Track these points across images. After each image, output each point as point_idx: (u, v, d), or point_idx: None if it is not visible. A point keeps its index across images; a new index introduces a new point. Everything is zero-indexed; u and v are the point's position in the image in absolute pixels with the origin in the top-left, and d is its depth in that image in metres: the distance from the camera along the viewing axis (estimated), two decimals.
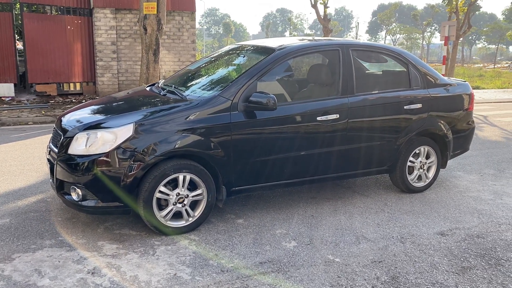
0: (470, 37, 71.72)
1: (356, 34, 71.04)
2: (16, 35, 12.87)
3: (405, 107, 4.35)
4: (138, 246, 3.26)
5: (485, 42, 76.68)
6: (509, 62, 55.86)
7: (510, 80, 24.81)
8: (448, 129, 4.64)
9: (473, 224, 3.86)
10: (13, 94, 11.26)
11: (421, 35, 74.06)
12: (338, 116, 3.96)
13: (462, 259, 3.21)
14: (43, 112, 9.50)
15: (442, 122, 4.60)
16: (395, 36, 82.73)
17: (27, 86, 11.96)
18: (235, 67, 4.38)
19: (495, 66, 46.30)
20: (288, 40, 4.38)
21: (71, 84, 12.31)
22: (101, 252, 3.15)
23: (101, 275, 2.85)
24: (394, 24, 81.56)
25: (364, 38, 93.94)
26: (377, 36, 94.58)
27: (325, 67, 4.41)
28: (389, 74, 4.68)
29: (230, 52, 4.76)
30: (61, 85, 12.23)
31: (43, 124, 8.59)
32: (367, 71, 4.78)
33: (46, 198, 4.21)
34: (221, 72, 4.45)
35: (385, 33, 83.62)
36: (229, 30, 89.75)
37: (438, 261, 3.16)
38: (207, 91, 3.83)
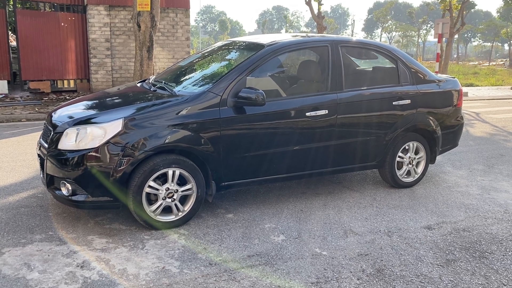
0: (466, 35, 71.98)
1: (352, 31, 71.15)
2: (10, 32, 12.83)
3: (394, 103, 4.39)
4: (127, 240, 3.29)
5: (480, 40, 76.98)
6: (504, 59, 56.11)
7: (504, 77, 24.96)
8: (437, 125, 4.69)
9: (459, 218, 3.91)
10: (6, 91, 11.23)
11: (417, 33, 74.25)
12: (327, 112, 4.00)
13: (447, 252, 3.26)
14: (37, 109, 9.49)
15: (431, 118, 4.65)
16: (391, 33, 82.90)
17: (21, 83, 11.93)
18: (225, 63, 4.41)
19: (490, 64, 46.51)
20: (281, 37, 4.41)
21: (65, 81, 12.30)
22: (90, 246, 3.18)
23: (90, 268, 2.88)
24: (390, 21, 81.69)
25: (360, 35, 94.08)
26: (373, 33, 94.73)
27: (315, 63, 4.45)
28: (378, 70, 4.72)
29: (221, 48, 4.79)
30: (55, 82, 12.22)
31: (36, 121, 8.58)
32: (357, 68, 4.83)
33: (37, 193, 4.23)
34: (211, 68, 4.48)
35: (381, 31, 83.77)
36: (225, 27, 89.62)
37: (424, 254, 3.21)
38: (197, 86, 3.86)
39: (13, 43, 13.20)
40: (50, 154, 3.42)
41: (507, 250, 3.32)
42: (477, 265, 3.08)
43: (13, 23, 12.39)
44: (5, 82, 11.32)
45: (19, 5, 11.74)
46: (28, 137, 6.87)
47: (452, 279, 2.89)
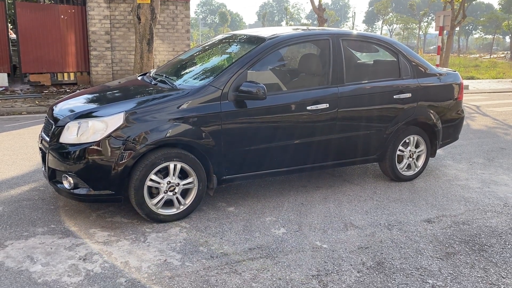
0: (467, 27, 71.63)
1: (353, 24, 70.81)
2: (9, 25, 12.78)
3: (394, 96, 4.39)
4: (129, 233, 3.31)
5: (481, 32, 76.61)
6: (506, 52, 55.91)
7: (505, 70, 24.89)
8: (437, 118, 4.70)
9: (459, 211, 3.93)
10: (6, 84, 11.22)
11: (418, 25, 73.89)
12: (327, 106, 4.00)
13: (447, 245, 3.28)
14: (37, 102, 9.49)
15: (431, 111, 4.65)
16: (391, 26, 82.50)
17: (21, 76, 11.91)
18: (226, 56, 4.40)
19: (491, 56, 46.34)
20: (282, 30, 4.40)
21: (65, 74, 12.27)
22: (92, 239, 3.20)
23: (93, 261, 2.90)
24: (390, 14, 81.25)
25: (361, 28, 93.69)
26: (374, 26, 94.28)
27: (316, 57, 4.44)
28: (379, 63, 4.71)
29: (222, 41, 4.77)
30: (55, 75, 12.20)
31: (36, 114, 8.59)
32: (358, 61, 4.82)
33: (39, 186, 4.25)
34: (212, 61, 4.47)
35: (382, 23, 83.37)
36: (225, 19, 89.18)
37: (423, 247, 3.23)
38: (198, 80, 3.86)
39: (13, 35, 13.15)
40: (51, 148, 3.43)
41: (507, 243, 3.34)
42: (476, 258, 3.10)
43: (12, 16, 12.33)
44: (5, 75, 11.30)
45: None
46: (29, 130, 6.88)
47: (451, 272, 2.91)
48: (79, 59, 12.09)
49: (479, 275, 2.88)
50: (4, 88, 11.02)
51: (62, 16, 11.63)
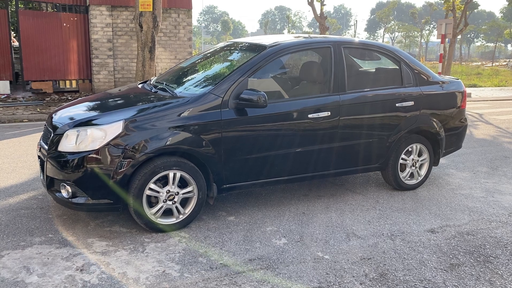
0: (469, 35, 71.76)
1: (355, 32, 70.95)
2: (12, 32, 12.83)
3: (397, 104, 4.35)
4: (128, 243, 3.26)
5: (483, 40, 76.70)
6: (508, 60, 55.88)
7: (507, 78, 24.84)
8: (440, 126, 4.65)
9: (463, 221, 3.87)
10: (8, 92, 11.23)
11: (420, 33, 74.07)
12: (329, 114, 3.96)
13: (451, 256, 3.22)
14: (39, 110, 9.48)
15: (434, 119, 4.60)
16: (393, 34, 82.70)
17: (23, 83, 11.93)
18: (227, 64, 4.38)
19: (493, 64, 46.32)
20: (283, 38, 4.37)
21: (67, 82, 12.28)
22: (90, 249, 3.15)
23: (90, 272, 2.85)
24: (392, 22, 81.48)
25: (362, 36, 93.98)
26: (376, 34, 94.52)
27: (317, 65, 4.41)
28: (381, 71, 4.68)
29: (223, 49, 4.75)
30: (57, 82, 12.21)
31: (38, 121, 8.57)
32: (360, 69, 4.79)
33: (38, 195, 4.21)
34: (213, 69, 4.45)
35: (384, 31, 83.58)
36: (228, 27, 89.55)
37: (427, 258, 3.17)
38: (199, 88, 3.83)
39: (16, 43, 13.20)
40: (50, 156, 3.40)
41: None
42: (481, 269, 3.04)
43: (15, 23, 12.38)
44: (7, 82, 11.32)
45: (21, 6, 11.73)
46: (30, 138, 6.86)
47: (456, 284, 2.85)
48: (81, 66, 12.11)
49: None
50: (6, 95, 11.03)
51: (64, 24, 11.67)
